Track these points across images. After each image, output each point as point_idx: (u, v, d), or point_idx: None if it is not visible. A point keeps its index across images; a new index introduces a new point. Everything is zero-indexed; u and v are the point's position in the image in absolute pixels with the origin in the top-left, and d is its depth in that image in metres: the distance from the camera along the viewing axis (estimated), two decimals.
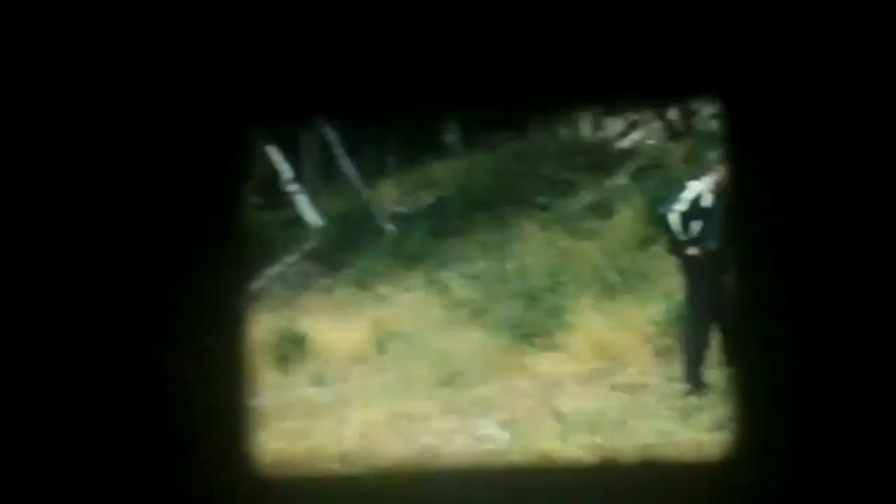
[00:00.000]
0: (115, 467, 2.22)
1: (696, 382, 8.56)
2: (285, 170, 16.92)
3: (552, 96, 2.50)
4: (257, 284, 13.33)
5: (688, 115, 15.17)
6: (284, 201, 16.75)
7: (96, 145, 2.23)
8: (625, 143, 16.36)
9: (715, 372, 8.71)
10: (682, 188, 9.07)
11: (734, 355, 2.46)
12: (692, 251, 8.79)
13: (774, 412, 2.23)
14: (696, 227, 8.79)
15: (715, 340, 8.79)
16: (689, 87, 2.53)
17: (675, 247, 8.96)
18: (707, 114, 15.26)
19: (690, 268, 8.88)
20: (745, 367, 2.33)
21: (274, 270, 14.98)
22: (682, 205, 8.83)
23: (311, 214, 16.71)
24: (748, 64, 2.19)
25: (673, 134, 15.24)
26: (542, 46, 2.23)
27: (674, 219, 8.83)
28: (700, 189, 8.89)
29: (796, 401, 2.20)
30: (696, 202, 8.84)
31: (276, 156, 16.72)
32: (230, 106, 2.30)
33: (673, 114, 15.30)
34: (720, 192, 8.93)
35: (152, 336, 2.24)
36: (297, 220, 16.70)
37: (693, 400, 8.31)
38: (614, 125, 16.68)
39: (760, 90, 2.19)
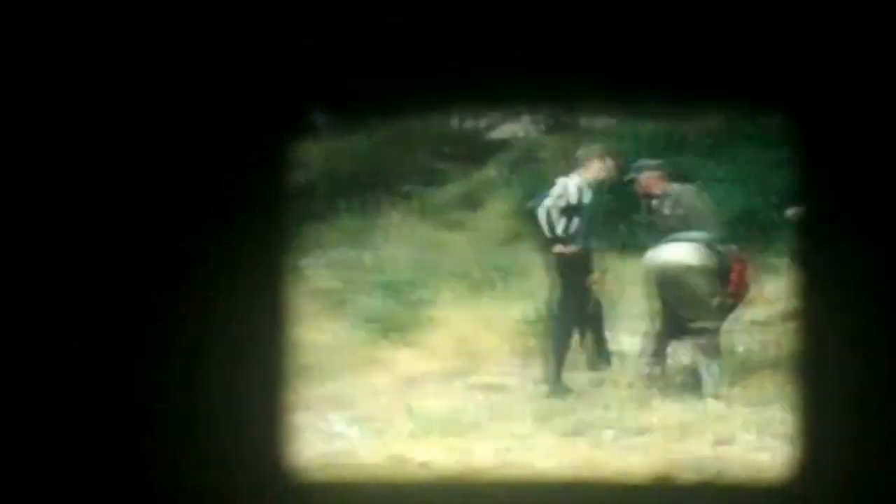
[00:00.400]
0: (151, 468, 2.28)
1: (556, 385, 8.40)
2: None
3: (621, 105, 2.41)
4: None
5: (560, 110, 15.10)
6: None
7: (113, 139, 2.25)
8: (497, 134, 16.23)
9: (576, 375, 8.60)
10: (553, 184, 8.87)
11: (798, 371, 2.36)
12: (560, 249, 8.60)
13: (840, 432, 2.23)
14: (564, 224, 8.59)
15: (578, 342, 8.71)
16: (761, 101, 2.55)
17: (543, 244, 8.76)
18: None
19: (558, 266, 8.72)
20: (810, 384, 2.32)
21: None
22: (552, 201, 8.63)
23: None
24: (818, 78, 2.22)
25: (547, 128, 15.13)
26: (605, 51, 2.27)
27: (543, 215, 8.62)
28: (571, 185, 8.71)
29: (862, 420, 2.21)
30: (565, 198, 8.67)
31: None
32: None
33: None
34: (591, 189, 8.82)
35: (191, 338, 2.29)
36: None
37: (552, 402, 8.13)
38: (487, 116, 16.52)
39: (830, 103, 2.22)
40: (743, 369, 8.61)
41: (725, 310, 8.63)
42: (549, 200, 8.67)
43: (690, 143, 12.66)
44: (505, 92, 2.41)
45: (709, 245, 8.45)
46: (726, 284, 8.54)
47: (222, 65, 2.28)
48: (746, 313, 9.60)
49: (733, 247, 8.73)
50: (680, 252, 8.37)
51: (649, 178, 9.06)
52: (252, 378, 2.31)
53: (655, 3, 2.25)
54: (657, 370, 8.49)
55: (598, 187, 9.48)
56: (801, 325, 2.32)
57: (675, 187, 9.26)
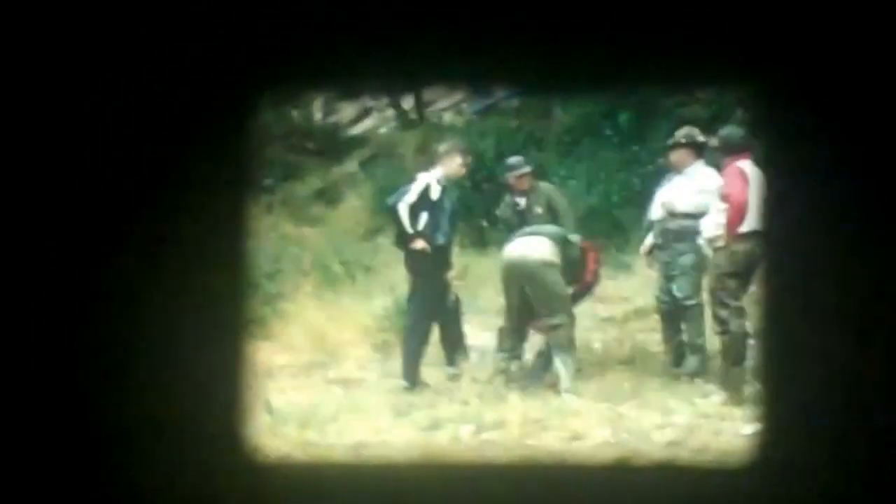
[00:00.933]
0: (112, 453, 2.26)
1: (413, 379, 8.42)
2: None
3: (581, 82, 2.53)
4: None
5: (421, 105, 15.14)
6: None
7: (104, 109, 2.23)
8: (356, 129, 16.19)
9: (434, 370, 8.62)
10: (411, 179, 8.87)
11: (763, 360, 2.37)
12: (418, 245, 8.61)
13: (799, 419, 2.24)
14: (423, 220, 8.61)
15: (435, 337, 8.73)
16: (722, 75, 2.54)
17: (402, 239, 8.76)
18: (440, 106, 15.26)
19: (415, 262, 8.71)
20: (771, 372, 2.32)
21: None
22: (410, 196, 8.63)
23: None
24: (781, 52, 2.21)
25: (405, 123, 15.15)
26: (572, 29, 2.25)
27: (404, 210, 8.61)
28: (428, 181, 8.72)
29: (822, 407, 2.22)
30: (424, 194, 8.67)
31: None
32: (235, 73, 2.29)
33: (407, 103, 15.24)
34: (450, 185, 8.85)
35: (149, 318, 2.27)
36: None
37: (409, 397, 8.13)
38: (347, 111, 16.48)
39: (792, 78, 2.22)
40: (598, 365, 8.74)
41: (578, 299, 8.80)
42: (409, 196, 8.66)
43: (548, 141, 12.83)
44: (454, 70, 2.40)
45: (560, 238, 8.56)
46: (581, 275, 8.69)
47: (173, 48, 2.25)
48: (601, 310, 9.77)
49: (582, 238, 8.86)
50: (533, 247, 8.45)
51: (519, 176, 9.15)
52: (212, 361, 2.29)
53: None
54: (514, 365, 8.57)
55: (457, 183, 9.53)
56: (764, 310, 2.33)
57: (542, 185, 9.40)
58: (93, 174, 2.25)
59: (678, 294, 8.49)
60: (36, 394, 2.24)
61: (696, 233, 8.35)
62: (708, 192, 8.27)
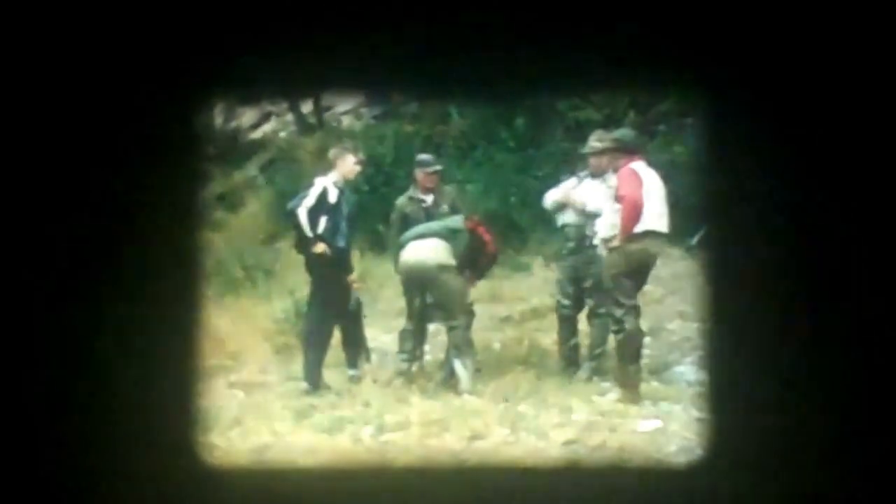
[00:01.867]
0: (62, 458, 2.23)
1: (315, 381, 8.45)
2: None
3: (539, 86, 2.54)
4: None
5: (319, 110, 15.14)
6: None
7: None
8: (256, 134, 16.11)
9: (336, 372, 8.66)
10: (310, 184, 8.90)
11: (708, 357, 2.36)
12: (318, 248, 8.64)
13: (745, 416, 2.25)
14: (322, 223, 8.63)
15: (336, 339, 8.77)
16: (671, 81, 2.56)
17: (302, 243, 8.77)
18: (339, 111, 15.27)
19: (315, 265, 8.73)
20: (716, 370, 2.32)
21: None
22: (308, 200, 8.65)
23: None
24: (730, 59, 2.22)
25: (304, 128, 15.13)
26: (529, 37, 2.25)
27: (301, 214, 8.63)
28: (325, 184, 8.76)
29: (767, 404, 2.23)
30: (322, 198, 8.69)
31: None
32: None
33: (306, 107, 15.21)
34: (347, 188, 8.88)
35: (100, 323, 2.23)
36: None
37: (311, 399, 8.16)
38: (248, 116, 16.38)
39: (742, 85, 2.22)
40: (497, 365, 8.86)
41: (488, 268, 8.88)
42: (307, 200, 8.67)
43: (446, 146, 12.93)
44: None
45: (449, 232, 8.63)
46: (483, 250, 8.78)
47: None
48: (500, 310, 9.89)
49: (463, 218, 8.92)
50: (429, 252, 8.53)
51: (430, 173, 9.17)
52: (166, 363, 2.27)
53: None
54: (415, 367, 8.66)
55: (355, 187, 9.56)
56: (708, 310, 2.33)
57: (447, 188, 9.47)
58: (54, 176, 2.23)
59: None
60: None
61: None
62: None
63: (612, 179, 8.32)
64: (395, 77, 2.40)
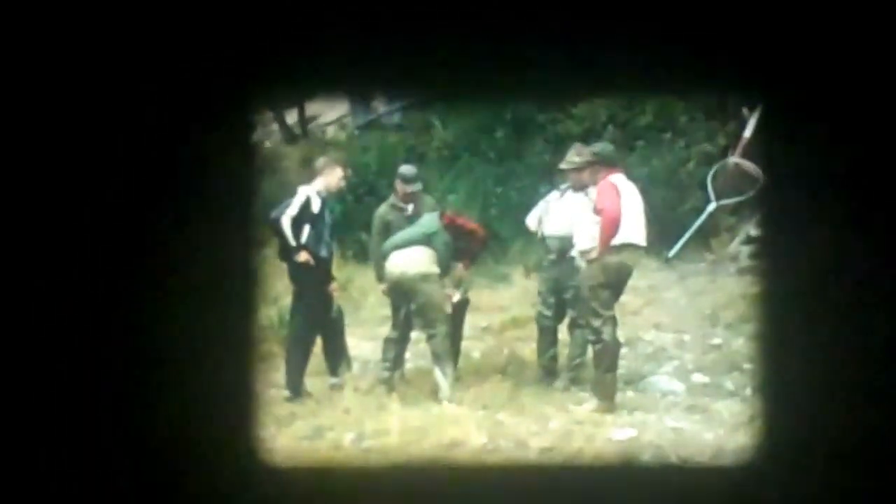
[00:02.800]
0: (123, 456, 2.25)
1: (296, 389, 8.51)
2: None
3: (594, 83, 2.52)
4: None
5: (304, 120, 15.23)
6: None
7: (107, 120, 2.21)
8: None
9: (317, 380, 8.76)
10: (293, 193, 8.98)
11: (761, 357, 2.37)
12: (302, 257, 8.71)
13: (798, 416, 2.25)
14: (306, 232, 8.73)
15: (318, 347, 8.86)
16: (731, 84, 2.55)
17: (285, 252, 8.83)
18: (323, 121, 15.34)
19: (298, 274, 8.79)
20: (770, 370, 2.33)
21: None
22: (292, 209, 8.73)
23: None
24: (788, 65, 2.22)
25: (289, 137, 15.21)
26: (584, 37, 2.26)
27: (285, 223, 8.70)
28: (309, 194, 8.83)
29: (821, 405, 2.23)
30: (305, 207, 8.77)
31: None
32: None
33: (290, 117, 15.29)
34: (331, 198, 8.95)
35: (160, 323, 2.26)
36: None
37: (292, 406, 8.22)
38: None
39: (799, 91, 2.23)
40: (476, 374, 8.96)
41: (479, 253, 9.01)
42: (290, 209, 8.73)
43: (429, 157, 13.02)
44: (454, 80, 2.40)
45: (428, 237, 8.69)
46: (470, 239, 8.89)
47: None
48: (480, 319, 9.98)
49: (439, 214, 9.00)
50: (412, 261, 8.61)
51: (407, 193, 9.20)
52: (224, 363, 2.30)
53: None
54: (396, 375, 8.75)
55: (339, 197, 9.61)
56: (762, 310, 2.35)
57: (428, 197, 9.54)
58: (109, 182, 2.25)
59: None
60: (50, 398, 2.23)
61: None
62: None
63: (594, 192, 8.40)
64: (401, 80, 2.43)
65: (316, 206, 8.78)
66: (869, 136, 2.25)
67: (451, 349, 8.61)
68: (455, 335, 8.83)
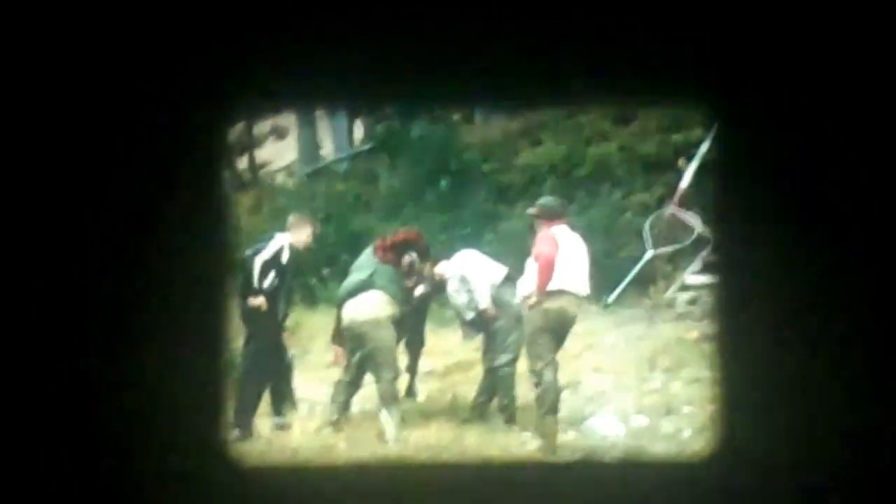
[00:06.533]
0: (93, 457, 2.26)
1: (246, 428, 8.58)
2: None
3: (550, 95, 2.57)
4: None
5: (254, 167, 15.39)
6: None
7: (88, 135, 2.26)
8: None
9: (265, 421, 8.90)
10: (270, 236, 9.10)
11: (720, 356, 2.43)
12: (256, 301, 8.82)
13: (754, 412, 2.31)
14: (269, 279, 8.87)
15: (267, 391, 8.98)
16: (679, 93, 2.57)
17: (244, 291, 8.86)
18: (272, 168, 15.52)
19: (249, 317, 8.86)
20: (726, 368, 2.38)
21: None
22: (266, 253, 8.87)
23: None
24: (738, 72, 2.28)
25: (239, 184, 15.36)
26: (540, 44, 2.31)
27: (256, 263, 8.81)
28: (283, 243, 8.96)
29: (776, 401, 2.29)
30: (277, 255, 8.91)
31: None
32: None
33: (242, 163, 15.43)
34: (296, 252, 9.11)
35: (132, 325, 2.28)
36: None
37: (241, 446, 8.29)
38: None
39: (749, 98, 2.29)
40: (421, 416, 9.11)
41: (426, 250, 9.23)
42: (265, 252, 8.86)
43: (375, 205, 13.21)
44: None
45: (369, 281, 8.86)
46: (410, 249, 9.10)
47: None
48: (425, 363, 10.15)
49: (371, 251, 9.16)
50: (364, 307, 8.77)
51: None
52: (194, 368, 2.33)
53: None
54: (343, 417, 8.90)
55: (304, 253, 9.70)
56: (719, 312, 2.43)
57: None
58: (100, 185, 2.30)
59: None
60: (23, 396, 2.27)
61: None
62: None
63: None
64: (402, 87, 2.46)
65: (285, 258, 8.93)
66: (824, 146, 2.32)
67: (397, 393, 8.80)
68: (418, 328, 9.15)
